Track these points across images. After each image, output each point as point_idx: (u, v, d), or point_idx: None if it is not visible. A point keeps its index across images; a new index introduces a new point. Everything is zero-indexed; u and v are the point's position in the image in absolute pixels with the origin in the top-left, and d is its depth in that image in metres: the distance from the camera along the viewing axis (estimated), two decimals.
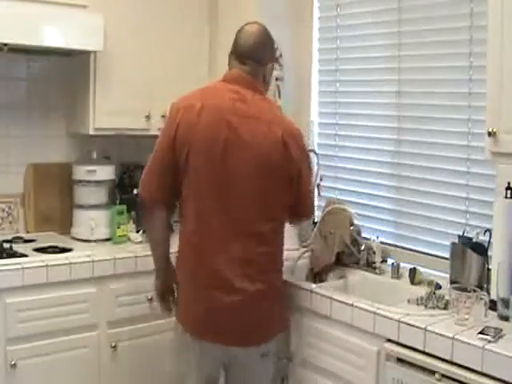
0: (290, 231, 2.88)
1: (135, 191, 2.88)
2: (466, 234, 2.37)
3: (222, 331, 2.13)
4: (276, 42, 2.95)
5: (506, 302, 1.99)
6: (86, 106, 2.93)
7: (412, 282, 2.46)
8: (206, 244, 2.14)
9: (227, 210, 2.13)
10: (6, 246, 2.71)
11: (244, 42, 2.25)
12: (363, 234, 2.78)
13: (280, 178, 2.17)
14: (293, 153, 2.18)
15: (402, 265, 2.58)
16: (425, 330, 1.92)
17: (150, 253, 2.38)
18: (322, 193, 3.09)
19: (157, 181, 2.21)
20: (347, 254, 2.73)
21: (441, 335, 1.87)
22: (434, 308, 2.13)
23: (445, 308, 2.11)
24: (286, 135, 2.17)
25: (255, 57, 2.24)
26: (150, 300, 2.69)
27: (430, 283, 2.38)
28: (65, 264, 2.58)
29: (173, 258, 2.30)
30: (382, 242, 2.70)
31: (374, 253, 2.65)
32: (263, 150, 2.13)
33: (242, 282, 2.11)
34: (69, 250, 2.74)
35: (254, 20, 2.94)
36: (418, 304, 2.18)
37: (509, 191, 2.15)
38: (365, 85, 2.92)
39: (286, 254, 2.77)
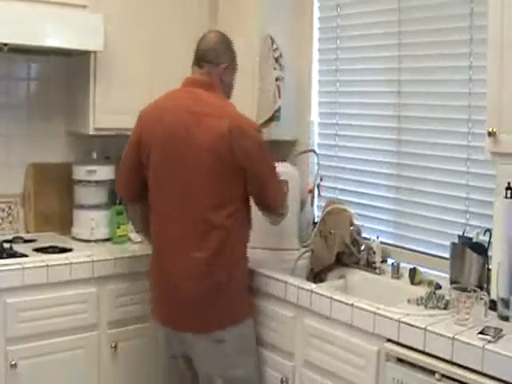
0: (290, 231, 2.89)
1: None
2: (465, 234, 2.37)
3: (174, 318, 2.32)
4: (276, 42, 2.99)
5: (506, 302, 1.99)
6: (85, 106, 2.93)
7: (412, 282, 2.46)
8: (165, 241, 2.33)
9: (182, 206, 2.27)
10: (6, 245, 2.71)
11: (201, 47, 2.42)
12: (363, 234, 2.78)
13: (230, 171, 2.26)
14: (238, 144, 2.24)
15: (402, 265, 2.58)
16: (425, 330, 1.92)
17: (150, 252, 2.46)
18: (322, 193, 3.09)
19: (126, 177, 2.49)
20: (347, 254, 2.73)
21: (441, 335, 1.87)
22: (433, 308, 2.13)
23: (445, 308, 2.11)
24: (232, 127, 2.24)
25: (209, 58, 2.39)
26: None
27: (430, 283, 2.38)
28: (65, 264, 2.58)
29: None
30: (382, 242, 2.70)
31: (374, 253, 2.65)
32: (211, 144, 2.23)
33: (198, 272, 2.25)
34: (69, 250, 2.75)
35: (253, 20, 2.96)
36: (418, 304, 2.18)
37: (509, 191, 2.14)
38: (365, 85, 2.92)
39: (286, 254, 2.79)
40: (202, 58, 2.40)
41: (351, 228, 2.73)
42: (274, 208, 2.44)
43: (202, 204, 2.25)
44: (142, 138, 2.36)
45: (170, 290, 2.31)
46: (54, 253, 2.70)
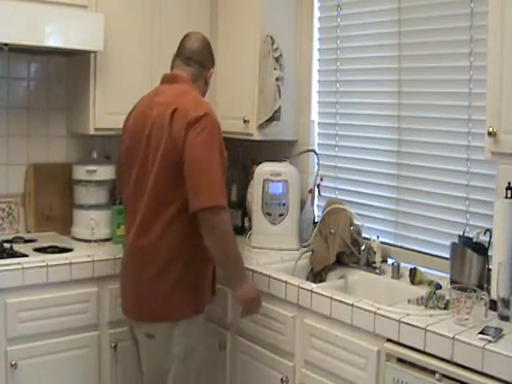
0: (290, 231, 2.89)
1: None
2: (466, 234, 2.37)
3: (125, 305, 2.40)
4: (276, 42, 2.99)
5: (506, 302, 1.99)
6: (86, 106, 2.93)
7: (412, 282, 2.46)
8: (128, 232, 2.37)
9: (138, 202, 2.30)
10: (7, 245, 2.71)
11: (190, 46, 2.43)
12: (363, 234, 2.78)
13: (171, 162, 2.20)
14: (176, 129, 2.19)
15: (402, 265, 2.58)
16: (425, 330, 1.92)
17: None
18: (321, 193, 3.10)
19: (120, 176, 2.54)
20: (347, 254, 2.74)
21: (441, 335, 1.87)
22: (434, 308, 2.13)
23: (445, 308, 2.11)
24: (174, 114, 2.21)
25: (199, 59, 2.43)
26: None
27: (430, 283, 2.38)
28: (65, 264, 2.58)
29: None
30: (382, 242, 2.70)
31: (374, 253, 2.65)
32: (159, 134, 2.23)
33: (150, 264, 2.26)
34: (69, 250, 2.75)
35: (253, 20, 2.96)
36: (418, 304, 2.19)
37: (509, 191, 2.15)
38: (365, 85, 2.92)
39: (286, 253, 2.79)
40: (191, 58, 2.41)
41: (351, 228, 2.73)
42: (205, 207, 2.15)
43: (150, 202, 2.26)
44: (123, 139, 2.46)
45: (124, 277, 2.40)
46: (54, 253, 2.70)
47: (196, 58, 2.42)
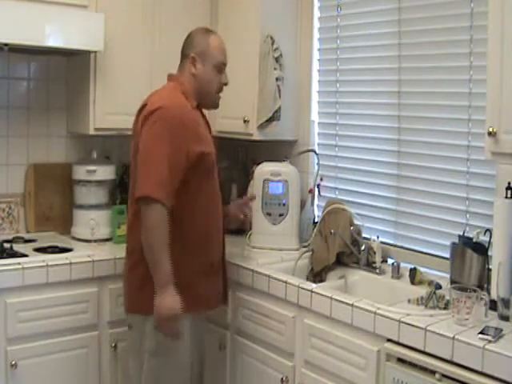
0: (290, 231, 2.89)
1: None
2: (466, 234, 2.37)
3: None
4: (276, 42, 2.99)
5: (506, 302, 1.99)
6: (86, 106, 2.93)
7: (412, 282, 2.46)
8: None
9: (131, 191, 2.32)
10: (7, 245, 2.71)
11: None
12: (363, 234, 2.78)
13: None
14: (139, 126, 2.27)
15: (402, 265, 2.58)
16: (425, 329, 1.92)
17: None
18: (322, 193, 3.10)
19: None
20: (347, 254, 2.74)
21: (441, 335, 1.87)
22: (434, 308, 2.13)
23: (445, 308, 2.11)
24: (141, 112, 2.29)
25: (182, 51, 2.44)
26: None
27: (430, 283, 2.38)
28: (65, 264, 2.58)
29: None
30: (382, 242, 2.70)
31: (374, 253, 2.65)
32: (137, 133, 2.29)
33: (127, 257, 2.37)
34: (69, 250, 2.75)
35: (253, 20, 2.96)
36: (418, 304, 2.18)
37: (509, 191, 2.15)
38: (365, 85, 2.92)
39: (286, 253, 2.79)
40: (181, 53, 2.44)
41: (351, 228, 2.73)
42: (138, 197, 2.17)
43: (131, 190, 2.32)
44: None
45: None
46: (54, 253, 2.70)
47: (182, 52, 2.44)
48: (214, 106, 2.50)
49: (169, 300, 2.15)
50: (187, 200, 2.26)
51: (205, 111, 2.51)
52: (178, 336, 2.23)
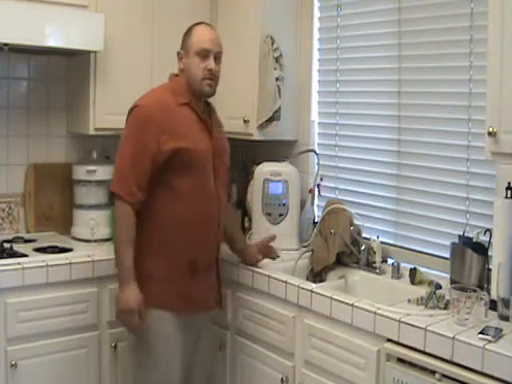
0: (290, 231, 2.89)
1: None
2: (466, 234, 2.37)
3: None
4: (276, 42, 2.99)
5: (506, 302, 1.99)
6: (86, 106, 2.93)
7: (412, 282, 2.46)
8: None
9: None
10: (7, 245, 2.71)
11: None
12: (363, 234, 2.78)
13: None
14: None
15: (402, 265, 2.58)
16: (425, 329, 1.92)
17: None
18: (322, 193, 3.10)
19: None
20: (347, 254, 2.74)
21: (441, 335, 1.87)
22: (434, 308, 2.13)
23: (445, 308, 2.11)
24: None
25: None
26: None
27: (430, 283, 2.38)
28: (65, 264, 2.58)
29: None
30: (382, 242, 2.70)
31: (374, 253, 2.65)
32: None
33: None
34: (69, 250, 2.75)
35: (253, 20, 2.96)
36: (418, 304, 2.18)
37: (509, 191, 2.15)
38: (365, 85, 2.92)
39: (286, 253, 2.79)
40: None
41: (351, 228, 2.73)
42: (112, 192, 2.29)
43: None
44: None
45: None
46: (54, 253, 2.70)
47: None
48: (203, 93, 2.37)
49: (127, 294, 2.20)
50: (164, 195, 2.28)
51: (214, 109, 2.51)
52: (139, 331, 2.26)
